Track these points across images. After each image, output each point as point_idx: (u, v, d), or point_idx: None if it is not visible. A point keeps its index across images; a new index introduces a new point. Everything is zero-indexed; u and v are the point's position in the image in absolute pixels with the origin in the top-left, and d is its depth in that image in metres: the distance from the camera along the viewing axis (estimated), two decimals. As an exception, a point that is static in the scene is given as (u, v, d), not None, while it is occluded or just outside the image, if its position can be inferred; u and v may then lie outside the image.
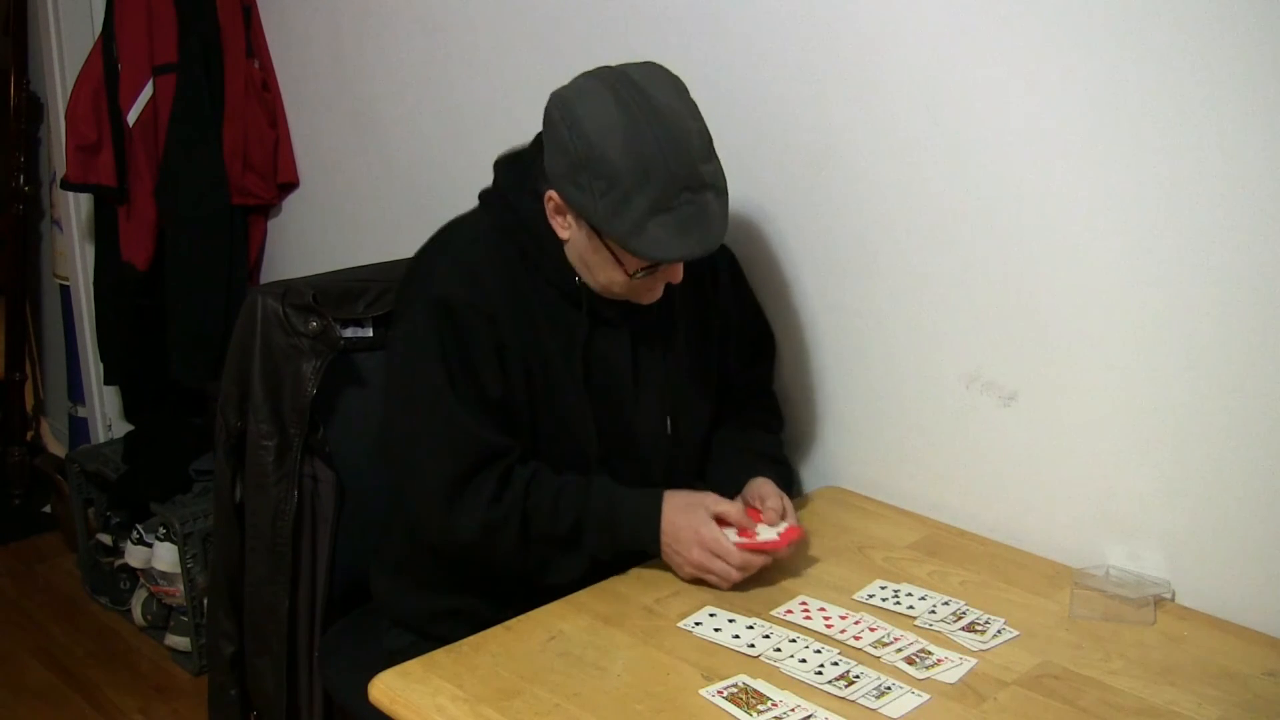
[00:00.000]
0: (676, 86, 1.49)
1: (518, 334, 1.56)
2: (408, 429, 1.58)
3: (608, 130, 1.42)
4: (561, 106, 1.47)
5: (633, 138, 1.41)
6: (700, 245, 1.46)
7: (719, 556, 1.50)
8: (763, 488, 1.62)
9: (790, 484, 1.72)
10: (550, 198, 1.52)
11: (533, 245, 1.58)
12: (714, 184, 1.47)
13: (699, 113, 1.49)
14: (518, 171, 1.60)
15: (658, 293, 1.57)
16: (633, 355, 1.63)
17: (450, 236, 1.64)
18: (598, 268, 1.53)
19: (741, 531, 1.54)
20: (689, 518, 1.53)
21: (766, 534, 1.54)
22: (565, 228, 1.53)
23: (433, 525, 1.57)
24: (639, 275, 1.51)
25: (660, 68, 1.51)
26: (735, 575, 1.51)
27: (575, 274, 1.57)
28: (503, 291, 1.56)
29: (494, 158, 1.66)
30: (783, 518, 1.57)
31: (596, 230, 1.48)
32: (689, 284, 1.69)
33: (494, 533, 1.53)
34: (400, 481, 1.63)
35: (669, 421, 1.68)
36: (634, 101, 1.43)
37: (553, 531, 1.54)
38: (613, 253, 1.49)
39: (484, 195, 1.66)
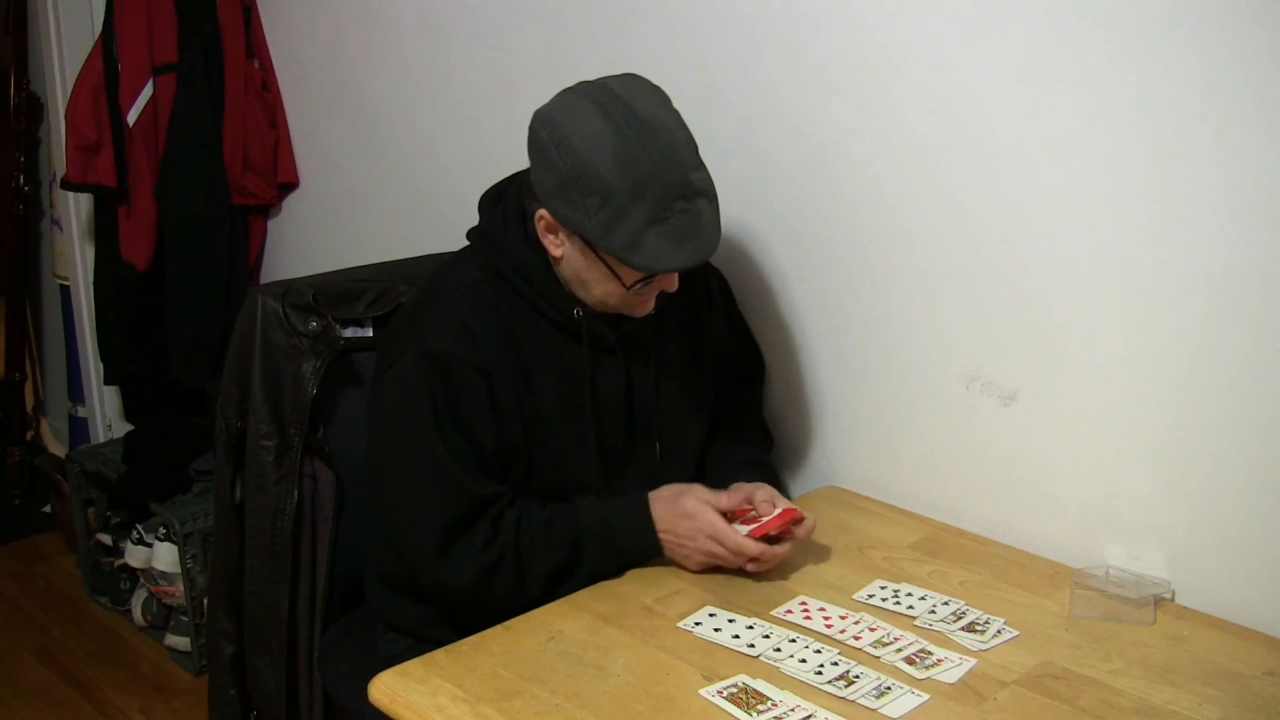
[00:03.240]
0: (659, 96, 1.49)
1: (511, 385, 1.56)
2: (399, 478, 1.58)
3: (597, 145, 1.42)
4: (547, 125, 1.47)
5: (622, 151, 1.41)
6: (697, 253, 1.46)
7: (725, 544, 1.51)
8: (748, 488, 1.61)
9: (777, 488, 1.71)
10: (541, 216, 1.51)
11: (526, 285, 1.58)
12: (705, 191, 1.47)
13: (683, 121, 1.49)
14: (502, 209, 1.61)
15: (651, 304, 1.58)
16: (627, 383, 1.64)
17: (443, 285, 1.63)
18: (593, 283, 1.53)
19: (743, 520, 1.54)
20: (682, 505, 1.53)
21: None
22: (558, 245, 1.53)
23: (426, 574, 1.57)
24: (636, 287, 1.51)
25: (641, 78, 1.51)
26: (746, 560, 1.52)
27: (574, 307, 1.57)
28: (496, 343, 1.56)
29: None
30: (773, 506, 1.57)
31: (591, 245, 1.48)
32: (681, 307, 1.70)
33: (490, 575, 1.53)
34: (391, 527, 1.63)
35: (657, 447, 1.68)
36: (620, 115, 1.43)
37: (551, 563, 1.54)
38: (609, 266, 1.49)
39: (471, 235, 1.65)
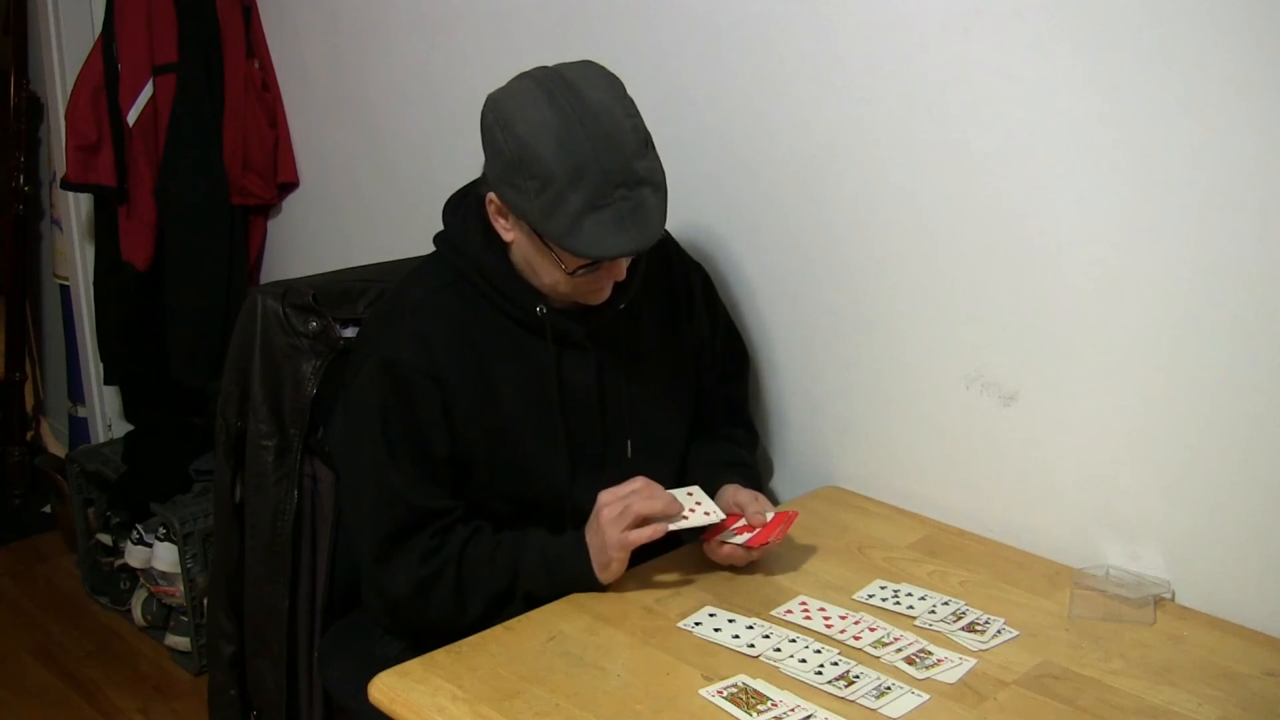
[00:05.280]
0: (611, 83, 1.48)
1: (469, 392, 1.56)
2: (350, 488, 1.62)
3: (540, 130, 1.41)
4: (495, 109, 1.47)
5: (565, 136, 1.41)
6: (636, 240, 1.44)
7: (622, 501, 1.49)
8: (737, 494, 1.61)
9: (757, 487, 1.69)
10: (491, 200, 1.52)
11: (488, 285, 1.58)
12: (650, 179, 1.45)
13: (635, 109, 1.48)
14: (463, 213, 1.61)
15: (605, 292, 1.56)
16: (599, 379, 1.63)
17: (405, 293, 1.64)
18: (542, 269, 1.53)
19: (736, 530, 1.54)
20: (595, 524, 1.52)
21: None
22: (508, 230, 1.53)
23: (368, 582, 1.59)
24: (580, 273, 1.50)
25: (596, 65, 1.50)
26: (643, 491, 1.49)
27: (536, 304, 1.57)
28: (453, 351, 1.56)
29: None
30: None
31: (535, 230, 1.47)
32: (660, 302, 1.70)
33: (427, 589, 1.54)
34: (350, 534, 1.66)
35: (629, 445, 1.67)
36: (566, 100, 1.42)
37: (492, 587, 1.54)
38: (553, 252, 1.49)
39: (436, 241, 1.66)
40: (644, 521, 1.49)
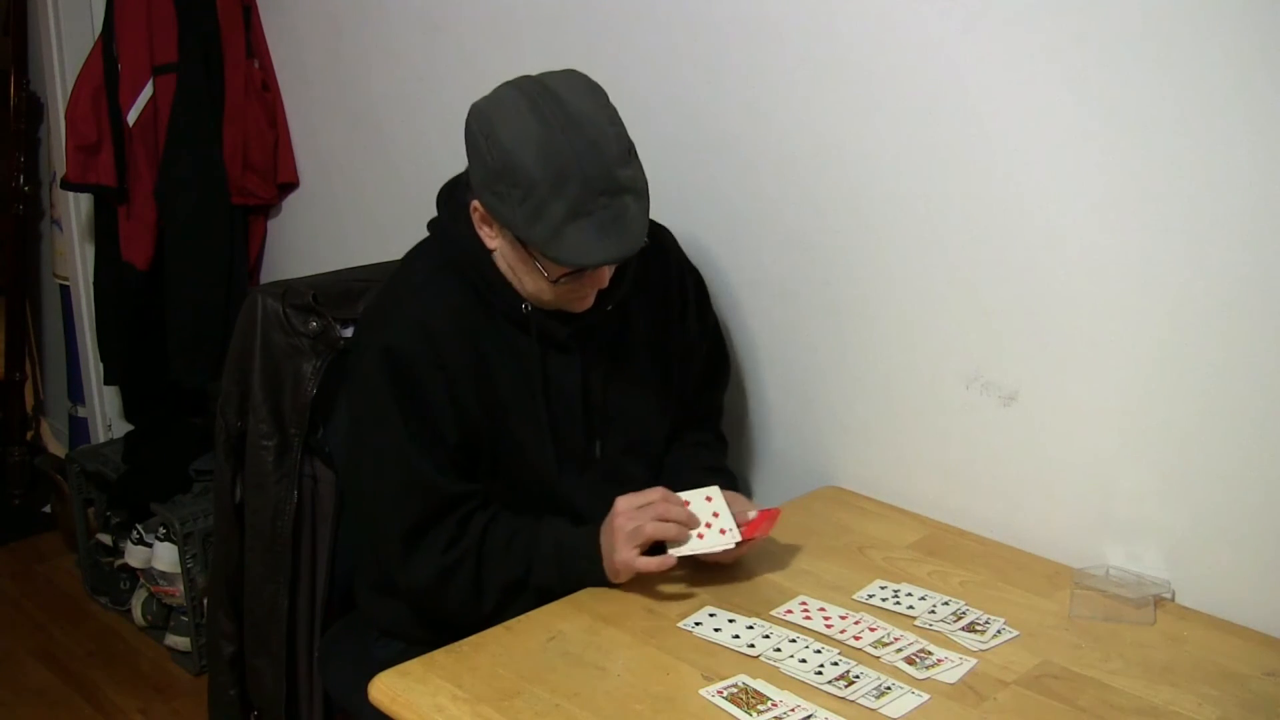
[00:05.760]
0: (594, 92, 1.48)
1: (470, 376, 1.56)
2: (368, 478, 1.61)
3: (523, 138, 1.42)
4: (479, 118, 1.47)
5: (547, 144, 1.41)
6: (618, 249, 1.44)
7: (636, 517, 1.49)
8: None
9: (736, 491, 1.68)
10: (475, 208, 1.52)
11: (479, 277, 1.58)
12: (632, 187, 1.45)
13: (618, 117, 1.48)
14: (455, 201, 1.61)
15: (589, 300, 1.57)
16: (583, 379, 1.63)
17: (403, 279, 1.64)
18: (525, 276, 1.53)
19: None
20: (609, 530, 1.52)
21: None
22: (492, 238, 1.54)
23: (393, 572, 1.59)
24: (562, 281, 1.50)
25: (579, 75, 1.51)
26: (659, 507, 1.49)
27: (522, 301, 1.57)
28: (454, 336, 1.56)
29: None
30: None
31: (518, 238, 1.48)
32: (652, 305, 1.70)
33: (449, 577, 1.54)
34: (366, 525, 1.66)
35: (598, 445, 1.66)
36: (549, 109, 1.43)
37: (507, 576, 1.55)
38: (535, 260, 1.49)
39: (430, 226, 1.66)
40: (657, 542, 1.49)
